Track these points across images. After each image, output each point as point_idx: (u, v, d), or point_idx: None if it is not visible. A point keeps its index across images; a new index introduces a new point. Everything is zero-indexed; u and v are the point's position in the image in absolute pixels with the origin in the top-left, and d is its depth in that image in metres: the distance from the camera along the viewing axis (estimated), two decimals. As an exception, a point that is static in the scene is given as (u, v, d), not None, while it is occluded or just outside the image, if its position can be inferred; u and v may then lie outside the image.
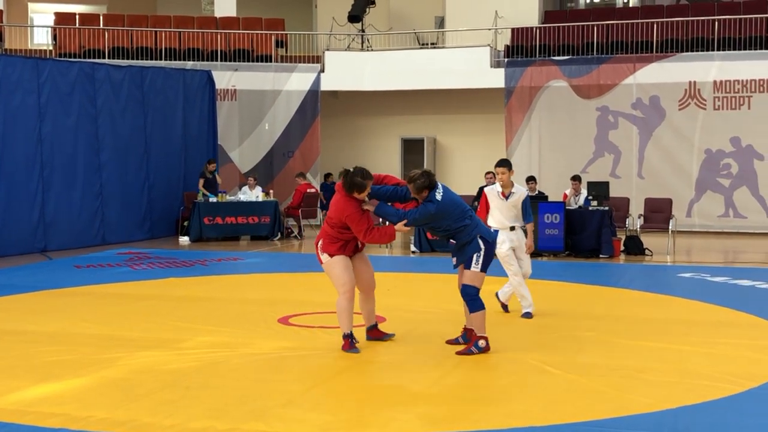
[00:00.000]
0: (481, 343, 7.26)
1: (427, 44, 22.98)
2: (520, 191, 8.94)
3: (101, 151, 17.00)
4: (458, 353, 7.24)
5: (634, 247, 15.24)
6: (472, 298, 7.25)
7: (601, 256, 14.77)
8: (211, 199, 17.74)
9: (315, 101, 21.46)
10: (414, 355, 7.29)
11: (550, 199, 15.91)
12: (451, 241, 7.43)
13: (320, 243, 7.41)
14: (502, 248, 8.77)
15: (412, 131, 22.94)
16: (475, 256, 7.21)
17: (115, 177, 17.27)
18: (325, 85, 21.54)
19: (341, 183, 7.21)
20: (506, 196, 8.88)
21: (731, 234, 19.06)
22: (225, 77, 21.01)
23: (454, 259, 7.45)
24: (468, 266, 7.24)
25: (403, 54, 21.83)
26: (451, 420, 5.56)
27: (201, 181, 18.45)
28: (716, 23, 19.90)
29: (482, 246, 7.23)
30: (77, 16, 22.66)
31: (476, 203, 15.79)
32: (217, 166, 19.27)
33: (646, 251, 15.18)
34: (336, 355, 7.28)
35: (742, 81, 19.26)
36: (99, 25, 22.04)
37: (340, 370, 6.79)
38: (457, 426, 5.44)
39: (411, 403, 5.95)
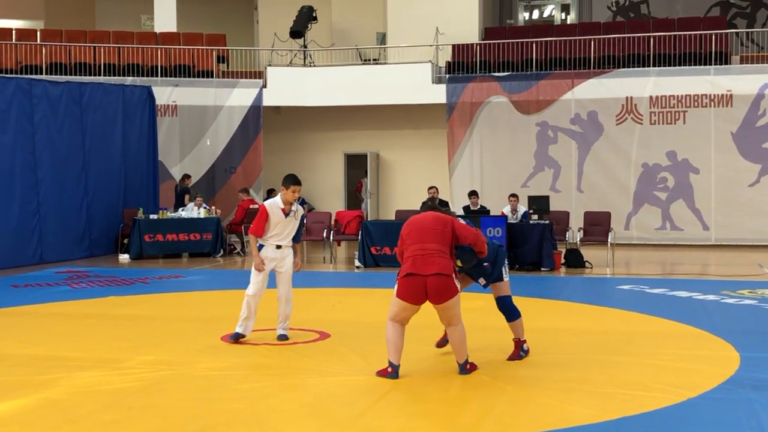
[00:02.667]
0: (526, 346, 7.75)
1: (370, 60, 23.08)
2: (300, 209, 8.65)
3: (38, 168, 16.71)
4: (509, 359, 7.62)
5: (575, 259, 15.45)
6: (512, 306, 7.66)
7: (542, 269, 14.95)
8: (152, 216, 17.60)
9: (257, 117, 21.39)
10: (359, 370, 7.29)
11: (491, 214, 16.08)
12: (485, 264, 7.47)
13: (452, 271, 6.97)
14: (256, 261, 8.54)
15: (356, 146, 22.98)
16: (504, 267, 7.58)
17: (52, 194, 16.98)
18: (268, 101, 21.48)
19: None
20: (286, 213, 8.52)
21: (668, 246, 19.43)
22: (165, 93, 20.83)
23: (483, 281, 7.59)
24: (501, 278, 7.57)
25: (346, 70, 21.88)
26: (397, 435, 5.57)
27: (186, 197, 18.89)
28: (651, 40, 20.34)
29: (502, 255, 7.60)
30: (14, 32, 22.29)
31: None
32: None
33: (586, 264, 15.40)
34: (280, 372, 7.24)
35: (678, 96, 19.68)
36: (36, 41, 21.72)
37: (285, 388, 6.76)
38: (403, 441, 5.46)
39: (357, 418, 5.94)
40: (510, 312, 7.66)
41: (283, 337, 8.65)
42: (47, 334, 9.15)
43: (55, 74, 20.41)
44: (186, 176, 19.82)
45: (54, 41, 21.62)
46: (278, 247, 8.51)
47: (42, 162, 16.79)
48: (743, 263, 15.81)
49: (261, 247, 8.54)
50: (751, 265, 15.35)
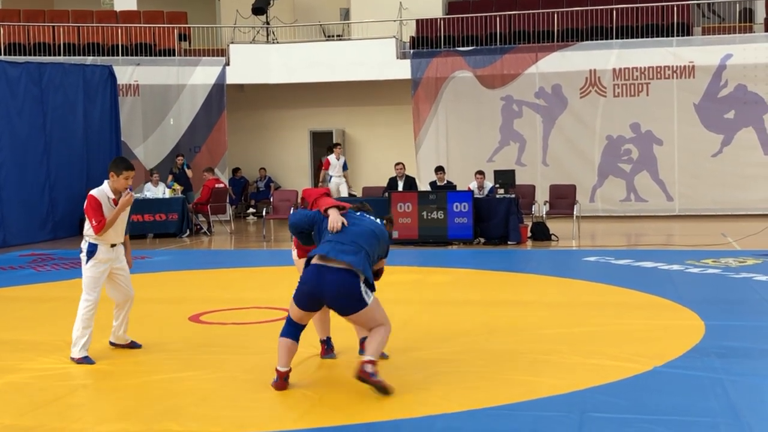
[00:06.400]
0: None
1: (333, 36, 22.94)
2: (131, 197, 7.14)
3: (-2, 151, 16.46)
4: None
5: (541, 233, 15.54)
6: None
7: (509, 242, 15.03)
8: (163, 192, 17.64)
9: (221, 95, 21.20)
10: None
11: (458, 189, 16.12)
12: None
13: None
14: (96, 270, 7.19)
15: (321, 124, 22.88)
16: None
17: (13, 177, 16.72)
18: (231, 79, 21.29)
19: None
20: (117, 203, 7.10)
21: (633, 217, 19.60)
22: (127, 72, 20.57)
23: None
24: None
25: (309, 46, 21.74)
26: (367, 411, 5.58)
27: (170, 177, 18.75)
28: (614, 12, 20.40)
29: None
30: (-31, 12, 21.89)
31: (386, 194, 15.94)
32: (185, 159, 19.76)
33: (552, 237, 15.49)
34: (247, 352, 7.23)
35: (641, 68, 19.79)
36: (-7, 21, 21.34)
37: (252, 367, 6.74)
38: (375, 417, 5.47)
39: (326, 396, 5.95)
40: None
41: (135, 344, 7.50)
42: (12, 318, 9.05)
43: (14, 55, 20.07)
44: (177, 155, 19.88)
45: (12, 21, 21.25)
46: (113, 246, 7.20)
47: (1, 144, 16.50)
48: (707, 233, 15.98)
49: (92, 249, 7.14)
50: (715, 235, 15.52)
